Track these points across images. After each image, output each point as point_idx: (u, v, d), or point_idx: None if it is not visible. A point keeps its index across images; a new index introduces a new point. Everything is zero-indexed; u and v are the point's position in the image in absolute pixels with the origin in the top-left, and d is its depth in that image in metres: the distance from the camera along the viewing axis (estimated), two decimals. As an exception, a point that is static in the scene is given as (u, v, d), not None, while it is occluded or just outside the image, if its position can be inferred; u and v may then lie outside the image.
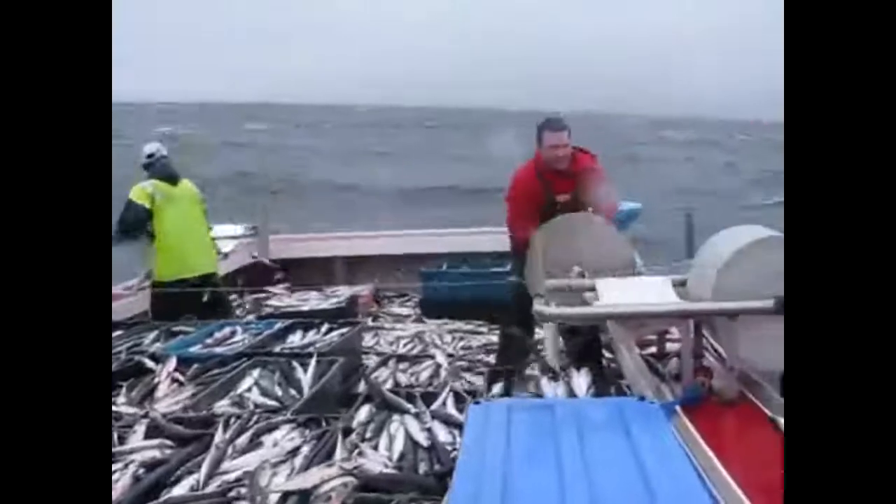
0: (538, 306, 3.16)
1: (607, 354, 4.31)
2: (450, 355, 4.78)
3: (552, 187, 4.11)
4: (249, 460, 2.61)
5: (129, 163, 6.05)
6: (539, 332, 4.86)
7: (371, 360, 4.65)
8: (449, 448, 2.70)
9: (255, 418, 2.99)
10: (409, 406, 3.12)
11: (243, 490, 2.40)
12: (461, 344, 5.31)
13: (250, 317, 6.00)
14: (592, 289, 3.31)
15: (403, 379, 4.26)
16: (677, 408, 2.76)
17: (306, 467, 2.54)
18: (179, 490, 2.47)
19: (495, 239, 6.71)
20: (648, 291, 3.17)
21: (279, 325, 4.60)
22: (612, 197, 4.26)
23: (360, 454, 2.67)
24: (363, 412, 3.08)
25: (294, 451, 2.67)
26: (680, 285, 3.20)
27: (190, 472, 2.57)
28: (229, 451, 2.71)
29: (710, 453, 2.35)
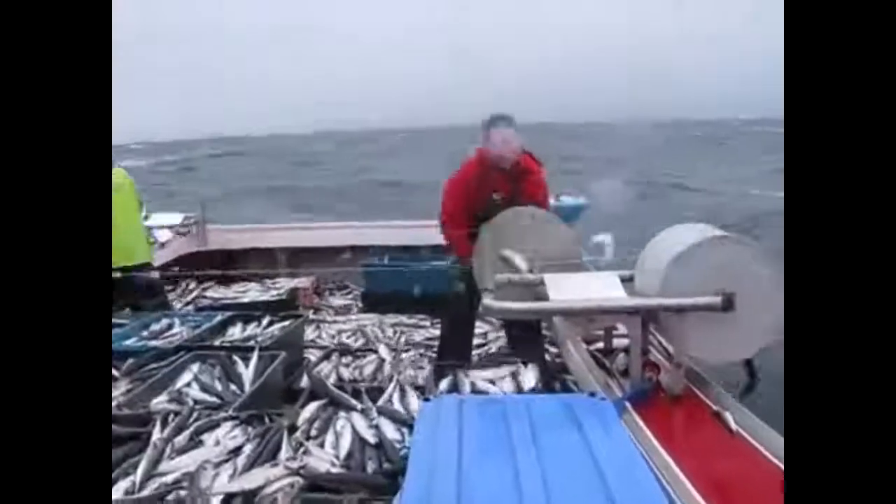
0: (487, 301, 3.13)
1: (551, 349, 4.33)
2: (393, 349, 4.71)
3: (492, 185, 4.07)
4: (189, 460, 2.50)
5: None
6: (480, 327, 4.86)
7: (312, 354, 4.56)
8: (398, 445, 2.65)
9: (194, 415, 2.88)
10: (355, 402, 3.05)
11: (183, 492, 2.30)
12: (403, 338, 5.25)
13: (188, 308, 5.83)
14: (541, 283, 3.30)
15: (346, 373, 4.17)
16: (626, 403, 2.77)
17: (250, 467, 2.45)
18: (114, 493, 2.34)
19: (437, 233, 6.67)
20: (597, 287, 3.17)
21: (219, 317, 4.45)
22: (546, 203, 4.24)
23: (306, 453, 2.59)
24: (308, 409, 2.99)
25: (237, 450, 2.57)
26: (628, 281, 3.21)
27: (126, 474, 2.45)
28: (167, 450, 2.60)
29: (662, 449, 2.37)
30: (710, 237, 2.89)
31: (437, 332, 5.09)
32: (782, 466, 2.25)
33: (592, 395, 2.60)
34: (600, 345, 3.62)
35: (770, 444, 2.39)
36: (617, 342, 3.56)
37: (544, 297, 3.18)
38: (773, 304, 2.74)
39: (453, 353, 4.12)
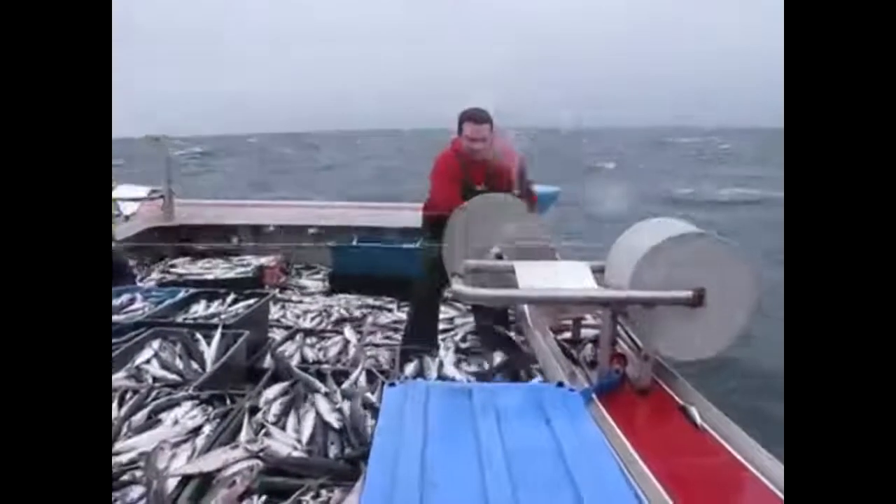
0: (457, 286, 3.09)
1: (516, 336, 4.31)
2: (358, 331, 4.66)
3: (470, 175, 4.07)
4: (146, 439, 2.44)
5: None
6: (446, 312, 4.83)
7: (276, 334, 4.49)
8: (361, 430, 2.60)
9: (153, 393, 2.81)
10: (320, 385, 2.99)
11: (138, 473, 2.24)
12: (370, 319, 5.20)
13: (151, 283, 5.71)
14: (511, 270, 3.26)
15: (311, 354, 4.11)
16: (593, 394, 2.75)
17: (208, 448, 2.39)
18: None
19: (406, 215, 6.60)
20: (567, 276, 3.14)
21: (182, 293, 4.36)
22: (530, 187, 4.23)
23: (267, 435, 2.54)
24: (270, 390, 2.94)
25: (196, 431, 2.52)
26: (598, 272, 3.19)
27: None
28: (124, 429, 2.54)
29: (628, 442, 2.36)
30: (684, 232, 2.88)
31: (404, 316, 5.06)
32: (747, 463, 2.25)
33: (561, 384, 2.58)
34: (568, 334, 3.60)
35: (735, 440, 2.39)
36: (584, 332, 3.55)
37: (514, 285, 3.15)
38: (743, 303, 2.74)
39: (420, 338, 4.08)
